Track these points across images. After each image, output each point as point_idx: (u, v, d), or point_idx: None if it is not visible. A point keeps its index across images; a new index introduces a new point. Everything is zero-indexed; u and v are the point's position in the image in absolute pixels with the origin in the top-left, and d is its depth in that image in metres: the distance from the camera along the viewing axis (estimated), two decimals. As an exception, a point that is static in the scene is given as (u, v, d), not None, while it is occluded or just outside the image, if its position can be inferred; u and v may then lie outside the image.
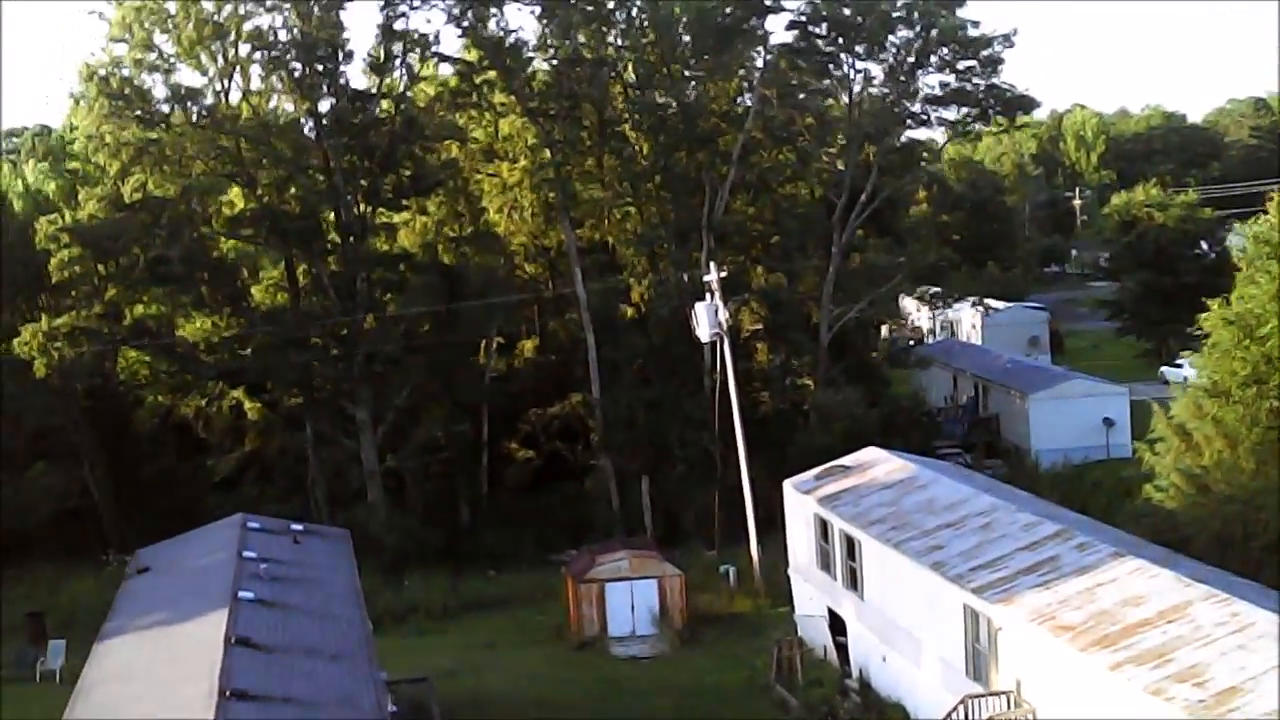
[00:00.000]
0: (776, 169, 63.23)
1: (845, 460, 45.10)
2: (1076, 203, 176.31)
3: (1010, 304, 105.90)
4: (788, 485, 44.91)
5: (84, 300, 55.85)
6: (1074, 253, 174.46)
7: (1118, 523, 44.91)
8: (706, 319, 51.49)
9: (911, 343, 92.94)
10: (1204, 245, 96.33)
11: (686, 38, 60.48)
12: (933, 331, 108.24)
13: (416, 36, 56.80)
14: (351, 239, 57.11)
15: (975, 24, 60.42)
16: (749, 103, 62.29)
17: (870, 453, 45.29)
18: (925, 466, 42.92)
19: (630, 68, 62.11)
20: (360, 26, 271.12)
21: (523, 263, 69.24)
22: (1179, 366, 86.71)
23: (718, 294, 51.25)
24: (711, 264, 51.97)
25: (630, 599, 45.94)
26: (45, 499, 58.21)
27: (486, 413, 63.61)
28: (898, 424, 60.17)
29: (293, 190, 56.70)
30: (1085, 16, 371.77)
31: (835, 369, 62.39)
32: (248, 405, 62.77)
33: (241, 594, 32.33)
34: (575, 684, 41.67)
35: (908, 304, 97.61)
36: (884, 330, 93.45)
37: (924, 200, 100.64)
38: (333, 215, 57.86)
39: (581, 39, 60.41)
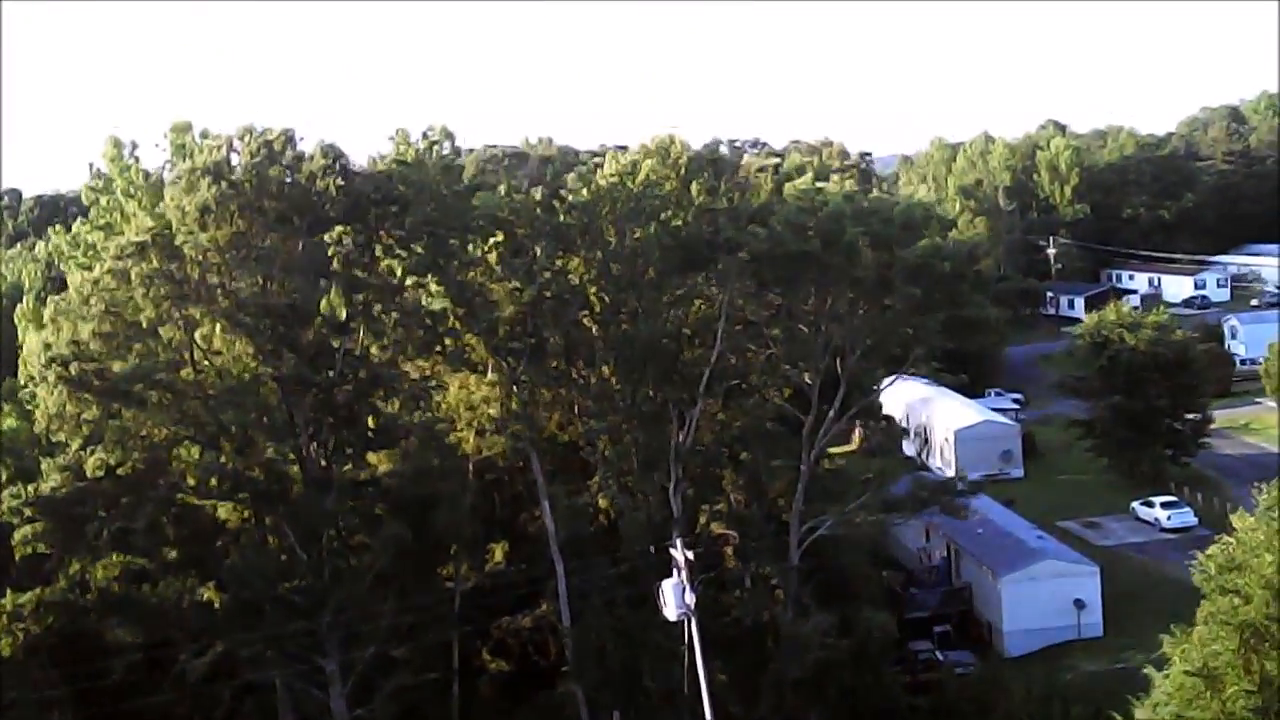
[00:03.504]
0: (744, 391, 63.23)
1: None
2: (1051, 251, 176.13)
3: (981, 416, 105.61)
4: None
5: (49, 572, 55.49)
6: (1049, 295, 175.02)
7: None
8: (674, 598, 51.45)
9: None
10: None
11: (651, 271, 60.46)
12: (907, 433, 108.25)
13: (378, 290, 56.54)
14: (317, 492, 56.83)
15: (942, 249, 60.37)
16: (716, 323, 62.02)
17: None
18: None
19: (595, 299, 61.94)
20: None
21: (491, 451, 68.86)
22: (1150, 505, 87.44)
23: (684, 572, 51.20)
24: (679, 540, 51.89)
25: None
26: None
27: (457, 635, 63.43)
28: (869, 654, 60.36)
29: (258, 452, 56.33)
30: (1060, 22, 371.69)
31: (806, 589, 62.47)
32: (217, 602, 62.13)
33: None
34: None
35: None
36: (858, 432, 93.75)
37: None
38: (297, 469, 57.58)
39: (547, 275, 60.26)
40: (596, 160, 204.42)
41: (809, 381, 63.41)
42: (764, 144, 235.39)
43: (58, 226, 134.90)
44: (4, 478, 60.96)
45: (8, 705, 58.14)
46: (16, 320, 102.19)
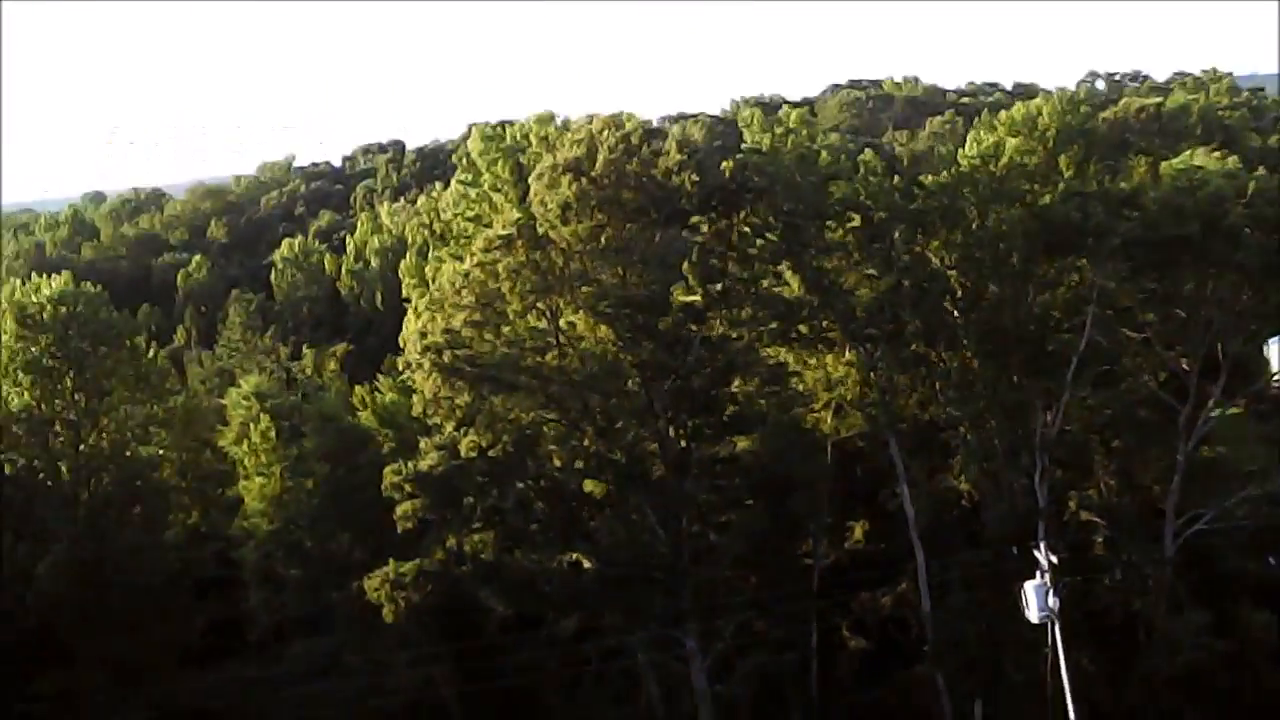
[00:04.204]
0: (1114, 376, 60.46)
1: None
2: None
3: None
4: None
5: (426, 544, 58.49)
6: None
7: None
8: (1036, 600, 50.24)
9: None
10: None
11: (1015, 256, 58.38)
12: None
13: (733, 279, 56.83)
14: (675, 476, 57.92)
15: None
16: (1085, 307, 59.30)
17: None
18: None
19: (956, 283, 60.24)
20: None
21: (849, 432, 68.32)
22: None
23: (1048, 575, 49.80)
24: (1043, 544, 50.53)
25: None
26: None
27: (815, 614, 63.61)
28: (1249, 658, 57.03)
29: (619, 434, 57.68)
30: None
31: (1181, 583, 59.57)
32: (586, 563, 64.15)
33: None
34: None
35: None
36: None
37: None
38: (657, 449, 58.65)
39: (905, 259, 59.03)
40: (964, 102, 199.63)
41: (1186, 367, 59.99)
42: (1145, 76, 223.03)
43: (438, 184, 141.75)
44: (386, 450, 64.74)
45: (391, 665, 62.04)
46: (401, 274, 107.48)
